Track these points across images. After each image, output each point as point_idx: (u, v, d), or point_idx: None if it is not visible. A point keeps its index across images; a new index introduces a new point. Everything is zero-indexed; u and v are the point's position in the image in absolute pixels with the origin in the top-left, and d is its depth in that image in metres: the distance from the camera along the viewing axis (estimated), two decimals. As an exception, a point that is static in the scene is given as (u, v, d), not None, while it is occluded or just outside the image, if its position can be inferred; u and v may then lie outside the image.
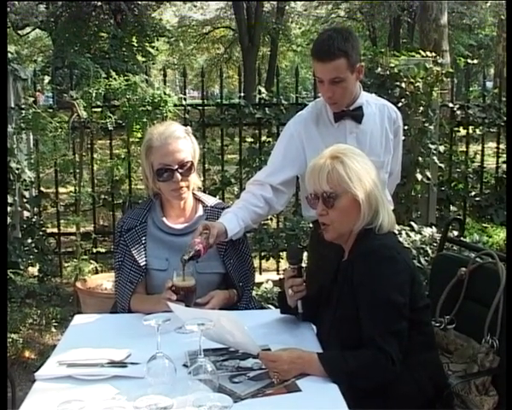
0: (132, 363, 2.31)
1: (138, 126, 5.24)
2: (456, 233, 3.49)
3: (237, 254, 3.07)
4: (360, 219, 2.45)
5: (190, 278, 2.69)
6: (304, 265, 2.75)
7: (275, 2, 29.43)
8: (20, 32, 26.05)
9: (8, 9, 20.40)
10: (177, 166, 2.92)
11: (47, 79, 8.15)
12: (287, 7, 30.05)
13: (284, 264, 5.71)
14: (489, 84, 16.48)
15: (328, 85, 2.98)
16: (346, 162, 2.44)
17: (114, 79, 5.19)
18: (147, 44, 21.57)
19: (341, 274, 2.54)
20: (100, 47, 20.01)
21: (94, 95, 5.13)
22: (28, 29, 26.32)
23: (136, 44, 21.06)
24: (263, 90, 6.05)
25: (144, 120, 5.18)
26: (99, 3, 20.83)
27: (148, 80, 5.63)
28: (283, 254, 6.04)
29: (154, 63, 24.17)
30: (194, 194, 3.10)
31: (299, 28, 34.43)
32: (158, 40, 23.50)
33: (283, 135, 3.27)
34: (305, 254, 3.42)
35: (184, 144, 2.98)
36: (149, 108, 5.26)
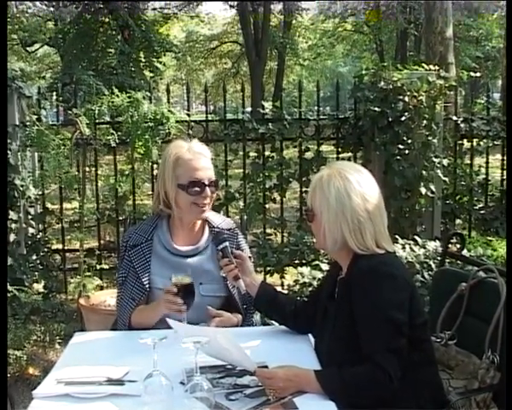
0: (130, 381, 2.30)
1: (141, 143, 5.25)
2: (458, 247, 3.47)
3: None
4: (328, 243, 2.48)
5: (188, 277, 2.70)
6: (227, 244, 2.84)
7: (282, 17, 29.55)
8: (28, 48, 26.27)
9: (17, 27, 20.61)
10: (208, 182, 2.92)
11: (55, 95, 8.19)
12: (293, 21, 30.15)
13: (290, 278, 5.70)
14: (497, 96, 16.44)
15: None
16: (325, 187, 2.45)
17: (117, 95, 5.21)
18: (154, 60, 21.71)
19: (339, 291, 2.54)
20: (107, 63, 20.14)
21: (97, 112, 5.16)
22: (37, 46, 26.55)
23: (143, 60, 21.20)
24: (266, 105, 6.06)
25: (146, 136, 5.20)
26: (106, 20, 20.98)
27: (151, 97, 5.66)
28: (288, 270, 6.04)
29: (161, 78, 24.29)
30: None
31: (306, 42, 34.56)
32: (165, 55, 23.65)
33: None
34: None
35: (211, 165, 3.01)
36: (152, 124, 5.28)
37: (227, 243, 2.84)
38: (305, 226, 5.81)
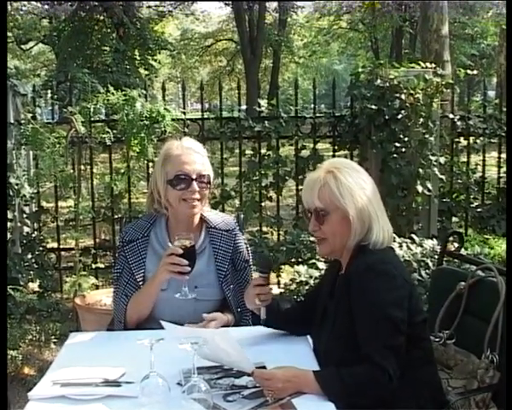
0: (126, 382, 2.28)
1: (136, 141, 5.22)
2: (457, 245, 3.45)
3: (238, 280, 3.01)
4: (352, 235, 2.42)
5: (189, 239, 2.68)
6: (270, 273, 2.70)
7: (277, 15, 29.53)
8: (23, 46, 26.19)
9: (12, 24, 20.53)
10: (195, 177, 2.85)
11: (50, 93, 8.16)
12: (289, 19, 30.12)
13: (286, 277, 5.68)
14: (491, 94, 16.47)
15: None
16: (339, 177, 2.41)
17: (112, 93, 5.18)
18: (149, 58, 21.69)
19: (338, 289, 2.51)
20: (102, 61, 20.11)
21: (92, 110, 5.13)
22: (31, 43, 26.47)
23: (138, 58, 21.17)
24: (262, 103, 6.03)
25: (142, 134, 5.17)
26: (101, 17, 20.95)
27: (146, 95, 5.62)
28: (284, 268, 6.01)
29: (156, 76, 24.25)
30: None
31: (301, 40, 34.54)
32: (160, 53, 23.60)
33: None
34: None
35: (203, 160, 2.94)
36: (147, 122, 5.25)
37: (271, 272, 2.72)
38: (302, 225, 5.79)
